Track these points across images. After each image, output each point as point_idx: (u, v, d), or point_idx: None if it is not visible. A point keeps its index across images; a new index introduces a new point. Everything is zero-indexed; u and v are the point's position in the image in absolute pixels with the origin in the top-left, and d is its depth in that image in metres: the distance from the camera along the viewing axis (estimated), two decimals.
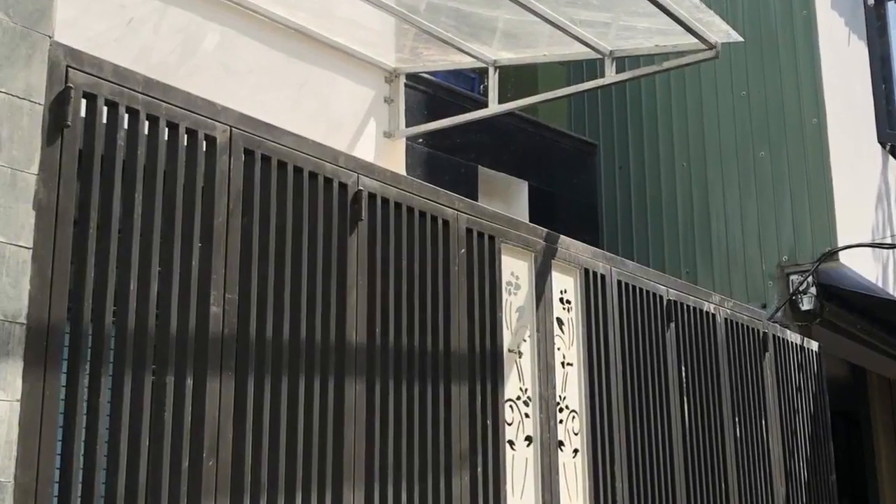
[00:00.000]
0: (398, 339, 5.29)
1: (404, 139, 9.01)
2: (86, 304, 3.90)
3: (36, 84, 3.84)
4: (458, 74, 11.16)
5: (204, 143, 4.47)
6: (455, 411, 5.55)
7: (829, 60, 11.56)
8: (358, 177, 5.21)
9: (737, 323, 8.58)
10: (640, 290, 7.35)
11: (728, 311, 8.51)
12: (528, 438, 6.11)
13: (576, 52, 8.36)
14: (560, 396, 6.40)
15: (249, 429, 4.45)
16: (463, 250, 5.83)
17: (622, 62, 8.90)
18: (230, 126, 4.59)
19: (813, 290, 11.00)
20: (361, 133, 8.49)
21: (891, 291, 12.20)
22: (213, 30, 7.24)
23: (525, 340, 6.23)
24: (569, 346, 6.58)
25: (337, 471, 4.82)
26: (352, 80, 8.42)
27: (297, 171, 4.89)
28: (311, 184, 4.95)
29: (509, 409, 5.99)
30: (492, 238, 6.06)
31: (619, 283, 7.13)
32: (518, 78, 12.06)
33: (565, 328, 6.58)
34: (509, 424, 5.96)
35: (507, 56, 8.77)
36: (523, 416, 6.09)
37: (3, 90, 3.73)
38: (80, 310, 3.89)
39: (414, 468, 5.24)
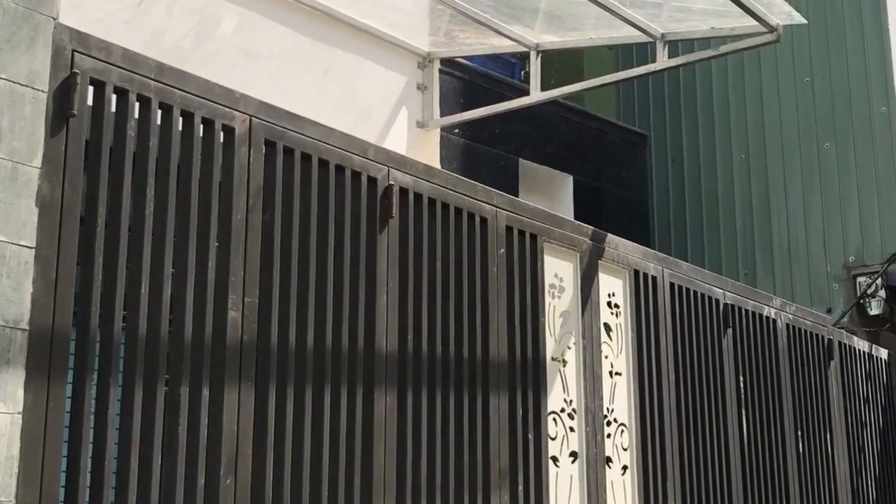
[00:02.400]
0: (432, 346, 5.25)
1: (439, 129, 9.01)
2: (93, 309, 3.87)
3: (39, 70, 3.81)
4: (497, 59, 11.17)
5: (221, 133, 4.44)
6: (494, 425, 5.50)
7: None
8: (388, 170, 5.18)
9: (799, 329, 8.52)
10: (695, 293, 7.31)
11: (790, 315, 8.45)
12: (573, 454, 6.07)
13: (625, 35, 8.35)
14: (608, 409, 6.37)
15: (271, 444, 4.41)
16: (502, 250, 5.79)
17: (675, 46, 8.84)
18: (249, 115, 4.55)
19: (882, 292, 10.92)
20: (392, 123, 8.48)
21: None
22: (231, 11, 7.24)
23: (570, 348, 6.19)
24: (617, 355, 6.54)
25: (366, 490, 4.77)
26: (382, 66, 8.41)
27: (323, 164, 4.85)
28: (337, 178, 4.91)
29: (553, 422, 5.95)
30: (534, 237, 6.02)
31: (672, 285, 7.10)
32: (562, 63, 12.04)
33: (613, 335, 6.54)
34: (553, 439, 5.93)
35: (551, 39, 8.74)
36: (568, 430, 6.05)
37: (3, 76, 3.70)
38: (86, 314, 3.86)
39: (449, 487, 5.19)
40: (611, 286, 6.60)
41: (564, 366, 6.13)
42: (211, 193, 4.35)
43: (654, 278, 6.93)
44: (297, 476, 4.49)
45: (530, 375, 5.81)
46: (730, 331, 7.61)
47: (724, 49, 8.22)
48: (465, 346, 5.44)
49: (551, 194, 10.42)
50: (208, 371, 4.23)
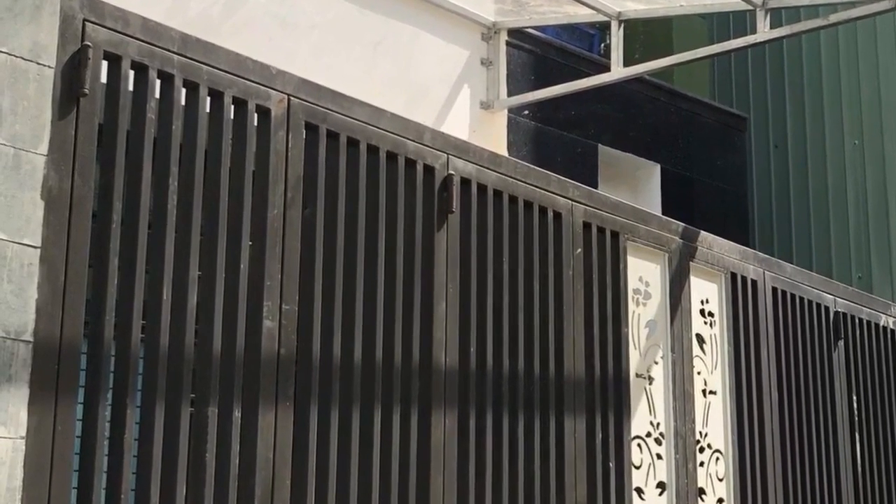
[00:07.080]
0: (497, 361, 5.23)
1: (506, 111, 9.01)
2: (107, 318, 3.85)
3: (45, 42, 3.80)
4: (572, 30, 11.15)
5: (255, 115, 4.43)
6: (570, 451, 5.48)
7: None
8: (448, 158, 5.16)
9: None
10: (801, 299, 7.30)
11: None
12: (661, 485, 6.05)
13: (720, 2, 8.32)
14: (700, 433, 6.34)
15: (311, 473, 4.38)
16: (579, 250, 5.76)
17: (778, 15, 8.76)
18: (288, 95, 4.54)
19: None
20: (452, 103, 8.48)
21: None
22: None
23: (657, 363, 6.17)
24: (711, 370, 6.51)
25: None
26: (440, 38, 8.40)
27: (372, 150, 4.83)
28: (389, 167, 4.90)
29: (637, 448, 5.93)
30: (615, 234, 6.00)
31: (775, 290, 7.08)
32: (648, 35, 12.00)
33: (707, 347, 6.52)
34: (637, 468, 5.90)
35: (635, 7, 8.70)
36: (654, 458, 6.03)
37: (4, 50, 3.70)
38: (99, 324, 3.84)
39: None
40: (704, 291, 6.57)
41: (651, 383, 6.12)
42: (243, 184, 4.34)
43: (753, 282, 6.89)
44: None
45: (611, 394, 5.79)
46: (841, 342, 7.58)
47: (834, 18, 8.16)
48: (537, 360, 5.42)
49: (635, 185, 10.42)
50: (240, 389, 4.21)
